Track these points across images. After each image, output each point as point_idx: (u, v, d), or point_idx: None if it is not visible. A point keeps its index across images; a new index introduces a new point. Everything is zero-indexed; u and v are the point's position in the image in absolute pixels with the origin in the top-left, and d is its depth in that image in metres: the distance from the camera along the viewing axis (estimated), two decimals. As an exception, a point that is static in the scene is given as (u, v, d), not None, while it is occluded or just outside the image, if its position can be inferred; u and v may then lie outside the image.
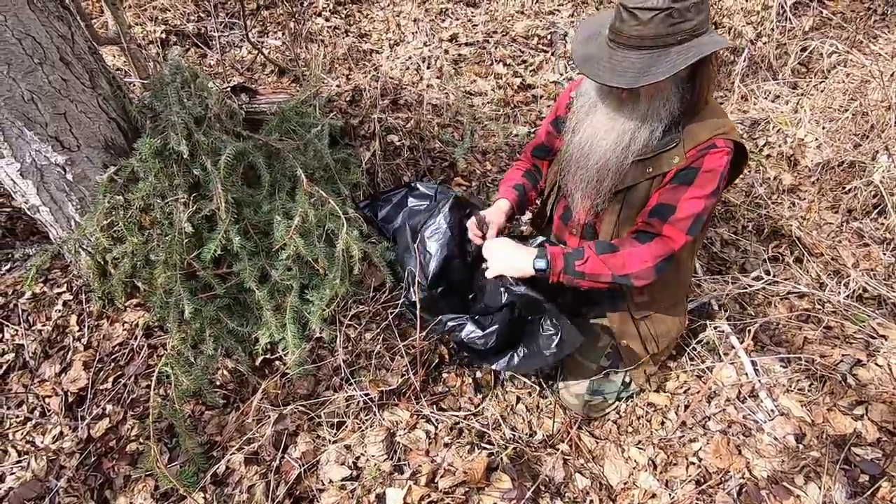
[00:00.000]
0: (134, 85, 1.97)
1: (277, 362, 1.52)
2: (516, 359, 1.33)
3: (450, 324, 1.36)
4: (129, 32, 2.03)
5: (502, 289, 1.29)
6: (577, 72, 1.14)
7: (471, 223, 1.39)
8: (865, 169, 2.06)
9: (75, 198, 1.37)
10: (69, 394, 1.41)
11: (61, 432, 1.36)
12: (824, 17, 2.99)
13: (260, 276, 1.45)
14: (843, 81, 2.50)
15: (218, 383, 1.45)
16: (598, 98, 1.21)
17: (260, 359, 1.50)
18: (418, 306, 1.31)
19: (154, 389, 1.31)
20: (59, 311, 1.53)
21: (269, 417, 1.37)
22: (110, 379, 1.44)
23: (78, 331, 1.51)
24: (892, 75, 2.37)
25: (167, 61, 1.53)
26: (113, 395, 1.42)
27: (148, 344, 1.49)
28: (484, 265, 1.33)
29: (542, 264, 1.22)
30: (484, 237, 1.38)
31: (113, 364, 1.46)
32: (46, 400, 1.41)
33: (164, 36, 2.68)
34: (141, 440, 1.34)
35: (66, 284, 1.58)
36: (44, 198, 1.35)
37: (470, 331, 1.32)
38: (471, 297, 1.50)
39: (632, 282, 1.20)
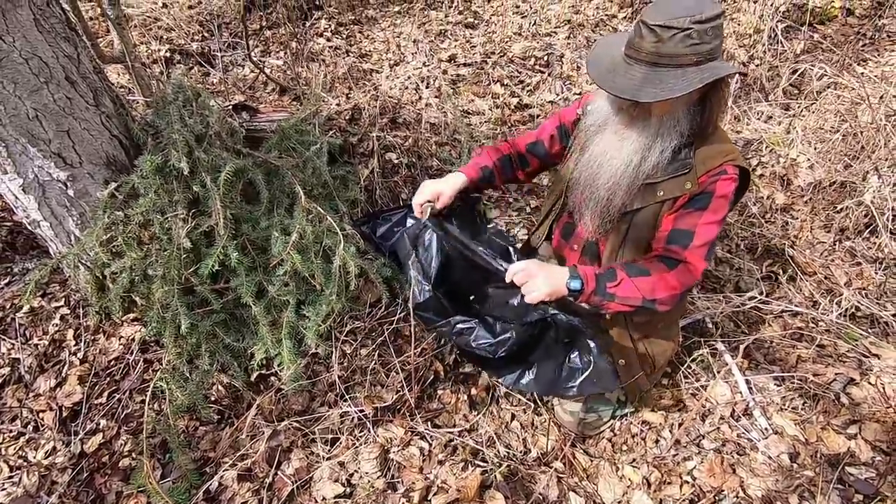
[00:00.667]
0: (137, 103, 2.01)
1: (273, 378, 1.52)
2: (526, 378, 1.29)
3: (458, 326, 1.31)
4: (135, 51, 2.08)
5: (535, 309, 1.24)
6: (594, 85, 1.15)
7: (417, 199, 1.37)
8: (856, 189, 2.09)
9: (76, 213, 1.39)
10: (63, 408, 1.41)
11: (54, 447, 1.35)
12: (815, 41, 3.06)
13: (257, 291, 1.47)
14: (834, 103, 2.55)
15: (213, 398, 1.46)
16: (609, 116, 1.21)
17: (255, 374, 1.51)
18: (412, 311, 1.30)
19: (148, 404, 1.31)
20: (57, 325, 1.54)
21: (263, 433, 1.37)
22: (105, 393, 1.44)
23: (74, 345, 1.52)
24: (880, 98, 2.42)
25: (170, 80, 1.57)
26: (107, 410, 1.42)
27: (144, 359, 1.50)
28: (520, 287, 1.21)
29: (576, 285, 1.16)
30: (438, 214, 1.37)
31: (108, 378, 1.47)
32: (40, 415, 1.41)
33: (168, 55, 2.73)
34: (134, 455, 1.34)
35: (64, 299, 1.59)
36: (45, 213, 1.37)
37: (480, 335, 1.27)
38: (471, 298, 1.45)
39: (656, 307, 1.17)
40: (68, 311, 1.58)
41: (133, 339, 1.52)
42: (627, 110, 1.16)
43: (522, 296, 1.20)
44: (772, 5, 3.08)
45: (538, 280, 1.15)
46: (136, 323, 1.55)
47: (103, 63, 2.14)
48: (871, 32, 3.05)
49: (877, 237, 1.94)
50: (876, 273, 1.82)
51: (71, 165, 1.32)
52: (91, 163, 1.36)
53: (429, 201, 1.38)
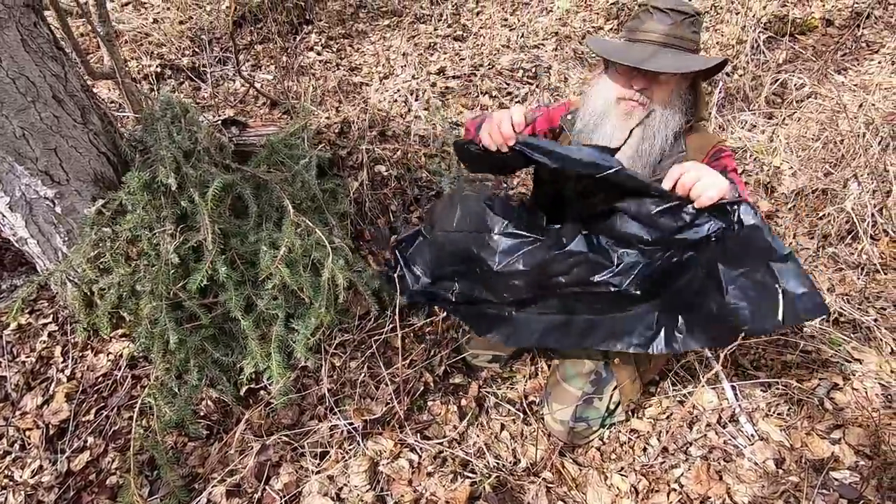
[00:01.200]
0: (128, 118, 2.02)
1: (262, 392, 1.52)
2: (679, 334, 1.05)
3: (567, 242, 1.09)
4: (125, 67, 2.09)
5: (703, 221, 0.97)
6: (624, 64, 1.14)
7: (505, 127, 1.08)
8: (838, 196, 2.13)
9: (63, 230, 1.40)
10: (50, 426, 1.40)
11: (41, 466, 1.34)
12: (796, 51, 3.12)
13: (245, 305, 1.47)
14: (815, 112, 2.60)
15: (201, 414, 1.45)
16: (605, 112, 1.22)
17: (244, 388, 1.50)
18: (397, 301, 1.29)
19: (136, 421, 1.31)
20: (44, 342, 1.54)
21: (252, 448, 1.36)
22: (92, 411, 1.43)
23: (62, 362, 1.51)
24: (860, 106, 2.48)
25: (159, 97, 1.58)
26: (95, 427, 1.41)
27: (132, 375, 1.49)
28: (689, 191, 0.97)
29: (734, 190, 0.98)
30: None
31: (96, 395, 1.46)
32: (27, 433, 1.40)
33: (159, 70, 2.75)
34: (121, 473, 1.33)
35: (51, 315, 1.59)
36: (32, 230, 1.38)
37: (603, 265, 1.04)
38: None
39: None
40: (56, 328, 1.57)
41: (121, 355, 1.51)
42: (635, 96, 1.16)
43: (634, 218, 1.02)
44: (754, 16, 3.15)
45: (708, 173, 0.95)
46: (124, 339, 1.55)
47: (93, 79, 2.16)
48: (851, 42, 3.12)
49: (858, 243, 1.97)
50: (858, 279, 1.86)
51: (58, 183, 1.32)
52: (78, 180, 1.36)
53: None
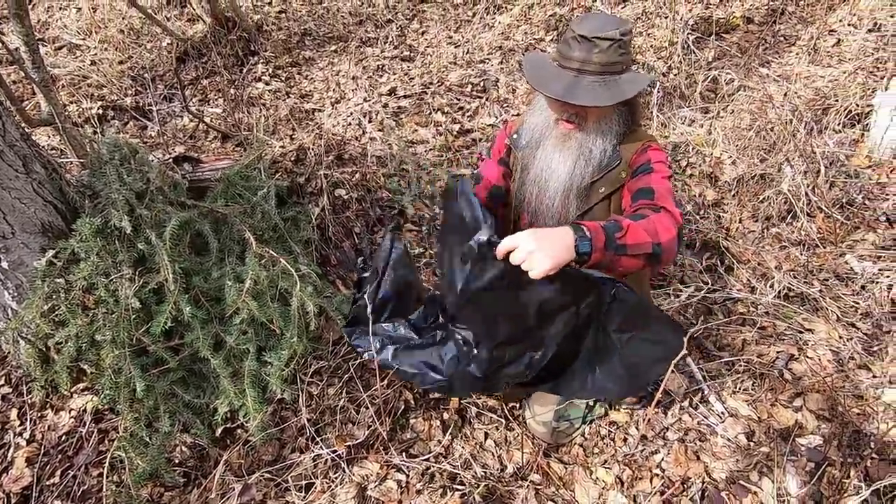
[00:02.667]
0: (72, 164, 1.95)
1: (239, 430, 1.48)
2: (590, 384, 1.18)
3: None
4: (64, 112, 2.03)
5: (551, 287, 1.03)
6: (551, 97, 1.20)
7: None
8: (774, 180, 2.28)
9: (12, 285, 1.34)
10: (12, 495, 1.32)
11: (4, 539, 1.26)
12: (723, 48, 3.34)
13: (214, 343, 1.44)
14: (746, 103, 2.78)
15: (177, 461, 1.40)
16: (545, 132, 1.30)
17: (220, 429, 1.46)
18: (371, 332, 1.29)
19: (107, 477, 1.25)
20: (-2, 406, 1.45)
21: (234, 489, 1.32)
22: (57, 472, 1.36)
23: (19, 425, 1.43)
24: (784, 95, 2.67)
25: (104, 139, 1.54)
26: (62, 490, 1.33)
27: (98, 429, 1.43)
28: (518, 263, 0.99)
29: (585, 247, 1.00)
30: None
31: (60, 456, 1.39)
32: (-14, 505, 1.31)
33: (101, 112, 2.68)
34: (95, 535, 1.27)
35: (3, 377, 1.50)
36: (-23, 289, 1.31)
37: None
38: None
39: (662, 254, 1.06)
40: (10, 390, 1.49)
41: (84, 410, 1.44)
42: (570, 118, 1.25)
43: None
44: (681, 19, 3.35)
45: (537, 254, 0.97)
46: (86, 392, 1.48)
47: (31, 127, 2.08)
48: (770, 37, 3.36)
49: (797, 221, 2.11)
50: (801, 254, 1.98)
51: (3, 237, 1.27)
52: (25, 232, 1.31)
53: None
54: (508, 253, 1.00)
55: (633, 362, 1.13)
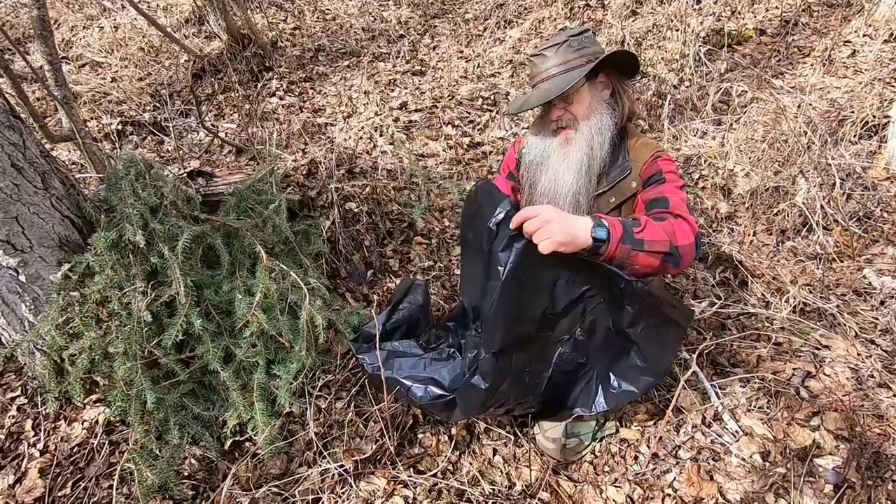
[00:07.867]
0: (91, 179, 2.00)
1: (248, 443, 1.48)
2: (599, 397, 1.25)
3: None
4: (84, 128, 2.09)
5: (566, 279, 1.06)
6: (519, 112, 1.36)
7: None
8: (788, 192, 2.24)
9: (28, 298, 1.37)
10: (24, 505, 1.33)
11: (16, 550, 1.27)
12: (735, 60, 3.32)
13: (224, 356, 1.45)
14: (759, 115, 2.75)
15: (185, 474, 1.40)
16: (547, 146, 1.37)
17: (229, 442, 1.47)
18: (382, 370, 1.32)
19: (117, 489, 1.26)
20: (13, 416, 1.48)
21: (242, 503, 1.32)
22: (69, 484, 1.37)
23: (33, 436, 1.45)
24: (798, 107, 2.64)
25: (121, 155, 1.58)
26: (73, 502, 1.34)
27: (109, 441, 1.44)
28: (532, 237, 1.01)
29: (602, 233, 1.00)
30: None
31: (72, 467, 1.40)
32: (-1, 516, 1.33)
33: (120, 127, 2.75)
34: (104, 547, 1.27)
35: (20, 388, 1.53)
36: (-4, 301, 1.34)
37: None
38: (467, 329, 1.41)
39: (680, 258, 1.05)
40: (25, 401, 1.51)
41: (97, 422, 1.46)
42: (560, 123, 1.33)
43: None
44: (693, 32, 3.35)
45: (553, 225, 0.97)
46: (98, 404, 1.50)
47: (52, 143, 2.15)
48: (783, 49, 3.34)
49: (812, 234, 2.07)
50: (817, 269, 1.94)
51: (21, 251, 1.30)
52: (42, 246, 1.34)
53: None
54: (522, 224, 1.02)
55: (651, 352, 1.20)
